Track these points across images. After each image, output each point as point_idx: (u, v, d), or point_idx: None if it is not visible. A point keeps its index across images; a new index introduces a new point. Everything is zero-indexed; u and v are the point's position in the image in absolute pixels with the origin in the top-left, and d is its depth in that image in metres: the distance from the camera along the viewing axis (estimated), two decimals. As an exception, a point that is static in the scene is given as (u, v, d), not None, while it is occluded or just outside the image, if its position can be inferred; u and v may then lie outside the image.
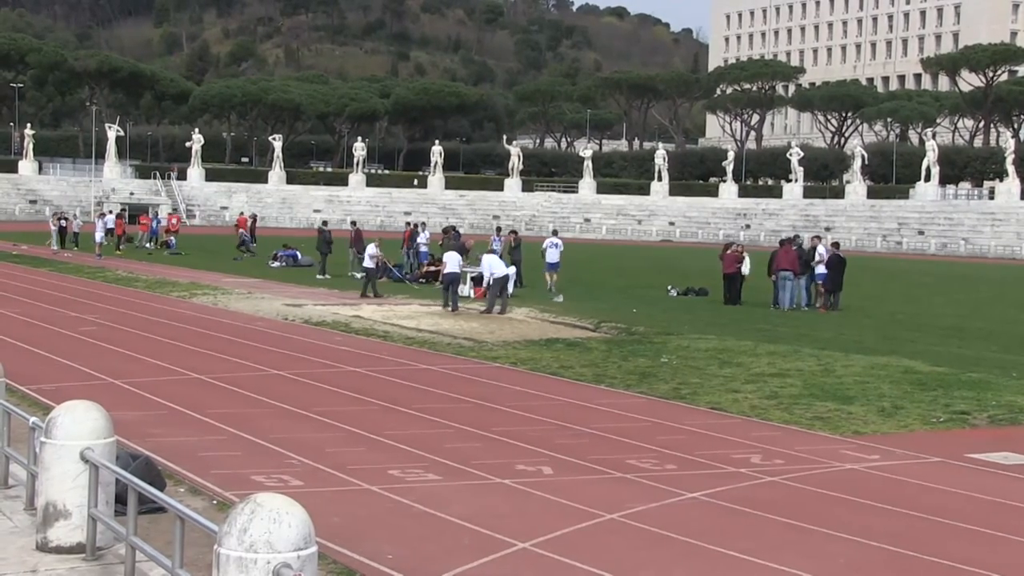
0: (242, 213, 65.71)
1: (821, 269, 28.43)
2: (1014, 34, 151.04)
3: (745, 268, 29.10)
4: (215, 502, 8.83)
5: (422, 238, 37.86)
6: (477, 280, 29.14)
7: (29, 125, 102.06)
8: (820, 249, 28.86)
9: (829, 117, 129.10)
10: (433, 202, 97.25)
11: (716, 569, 7.62)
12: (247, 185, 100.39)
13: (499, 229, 42.07)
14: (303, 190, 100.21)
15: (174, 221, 55.17)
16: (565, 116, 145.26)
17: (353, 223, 42.44)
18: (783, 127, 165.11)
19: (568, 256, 35.03)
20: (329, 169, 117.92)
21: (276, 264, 40.67)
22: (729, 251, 29.50)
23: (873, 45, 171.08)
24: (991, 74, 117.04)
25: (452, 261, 26.48)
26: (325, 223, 40.70)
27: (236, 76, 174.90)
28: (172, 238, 50.09)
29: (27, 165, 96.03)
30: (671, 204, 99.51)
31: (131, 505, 6.29)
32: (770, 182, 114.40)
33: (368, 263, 29.85)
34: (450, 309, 25.24)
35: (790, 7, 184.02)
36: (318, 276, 35.17)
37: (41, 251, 46.07)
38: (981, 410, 13.95)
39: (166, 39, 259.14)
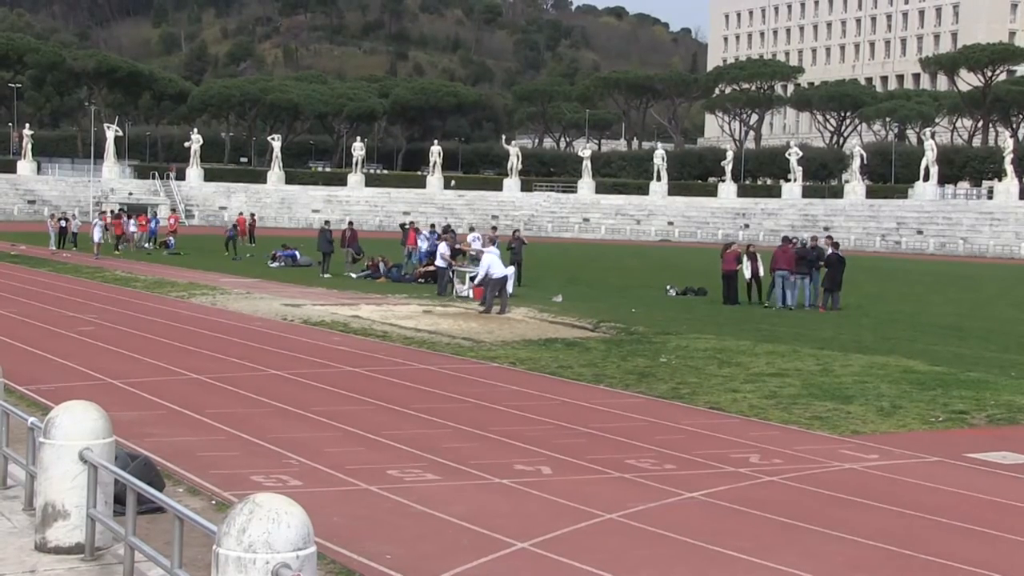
0: (241, 213, 65.71)
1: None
2: (1012, 34, 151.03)
3: (747, 270, 29.13)
4: (214, 502, 8.83)
5: (423, 234, 38.02)
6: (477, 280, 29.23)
7: (28, 125, 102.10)
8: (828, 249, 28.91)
9: (828, 117, 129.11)
10: (432, 202, 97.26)
11: (715, 568, 7.62)
12: (246, 185, 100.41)
13: (494, 228, 42.20)
14: (302, 190, 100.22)
15: (172, 221, 55.25)
16: (564, 116, 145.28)
17: (350, 223, 42.60)
18: (782, 127, 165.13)
19: (567, 256, 35.04)
20: (328, 169, 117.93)
21: (275, 264, 40.71)
22: (729, 250, 29.52)
23: (872, 45, 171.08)
24: (990, 74, 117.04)
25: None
26: (327, 223, 40.92)
27: (235, 76, 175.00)
28: (171, 238, 50.15)
29: (26, 165, 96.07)
30: (670, 204, 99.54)
31: (130, 505, 6.29)
32: (769, 182, 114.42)
33: (440, 263, 30.43)
34: (485, 310, 25.18)
35: (789, 7, 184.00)
36: (323, 275, 35.46)
37: (40, 251, 46.07)
38: (980, 410, 13.96)
39: (165, 39, 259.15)
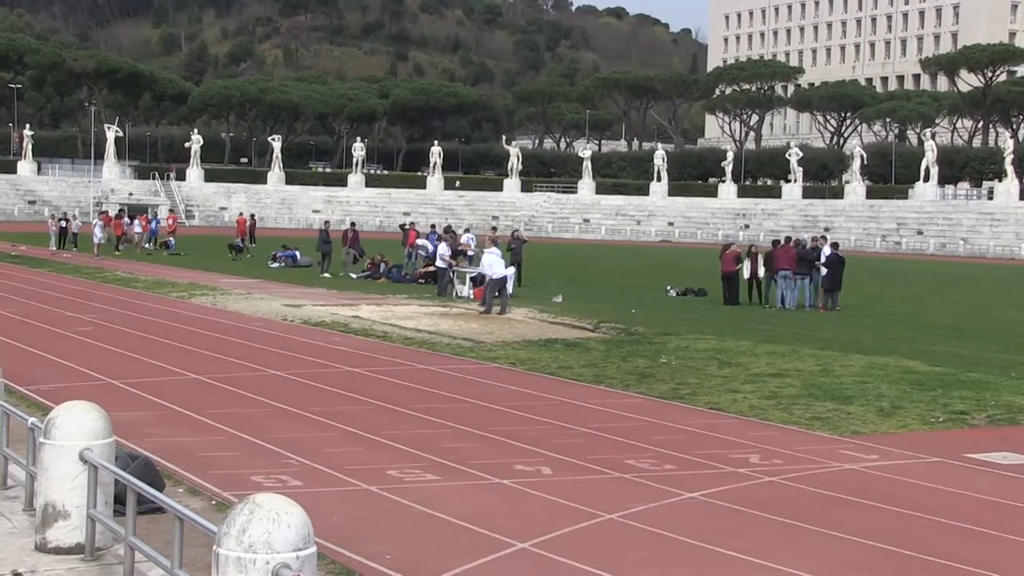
0: (241, 214, 65.66)
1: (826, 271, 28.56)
2: (1013, 34, 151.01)
3: (746, 271, 29.12)
4: (214, 502, 8.83)
5: (423, 240, 38.01)
6: (477, 281, 29.22)
7: (28, 126, 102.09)
8: (826, 250, 28.90)
9: (828, 117, 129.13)
10: (432, 202, 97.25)
11: (714, 569, 7.62)
12: (246, 186, 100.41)
13: (494, 229, 42.11)
14: (302, 190, 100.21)
15: (170, 221, 55.06)
16: (564, 116, 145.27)
17: (352, 224, 42.70)
18: (782, 127, 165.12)
19: (567, 256, 35.02)
20: (328, 169, 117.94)
21: (275, 264, 40.71)
22: (728, 251, 29.51)
23: (872, 45, 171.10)
24: (990, 74, 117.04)
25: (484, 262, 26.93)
26: (327, 223, 41.09)
27: (235, 76, 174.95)
28: (171, 238, 50.16)
29: (26, 166, 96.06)
30: (670, 204, 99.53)
31: (130, 506, 6.29)
32: (769, 182, 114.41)
33: (440, 264, 30.50)
34: (485, 310, 25.11)
35: (789, 7, 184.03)
36: (322, 275, 35.61)
37: (40, 251, 46.08)
38: (980, 410, 13.96)
39: (165, 39, 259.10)
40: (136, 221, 52.44)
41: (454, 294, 29.75)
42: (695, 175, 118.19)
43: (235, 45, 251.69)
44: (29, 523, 7.51)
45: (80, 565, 6.90)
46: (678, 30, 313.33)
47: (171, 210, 78.55)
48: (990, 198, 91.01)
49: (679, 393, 14.75)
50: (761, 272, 29.27)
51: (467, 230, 41.13)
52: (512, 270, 27.59)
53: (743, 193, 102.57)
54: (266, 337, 19.84)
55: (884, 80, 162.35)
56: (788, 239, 30.94)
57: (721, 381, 15.75)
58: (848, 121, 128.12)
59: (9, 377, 10.63)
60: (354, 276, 35.61)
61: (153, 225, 54.68)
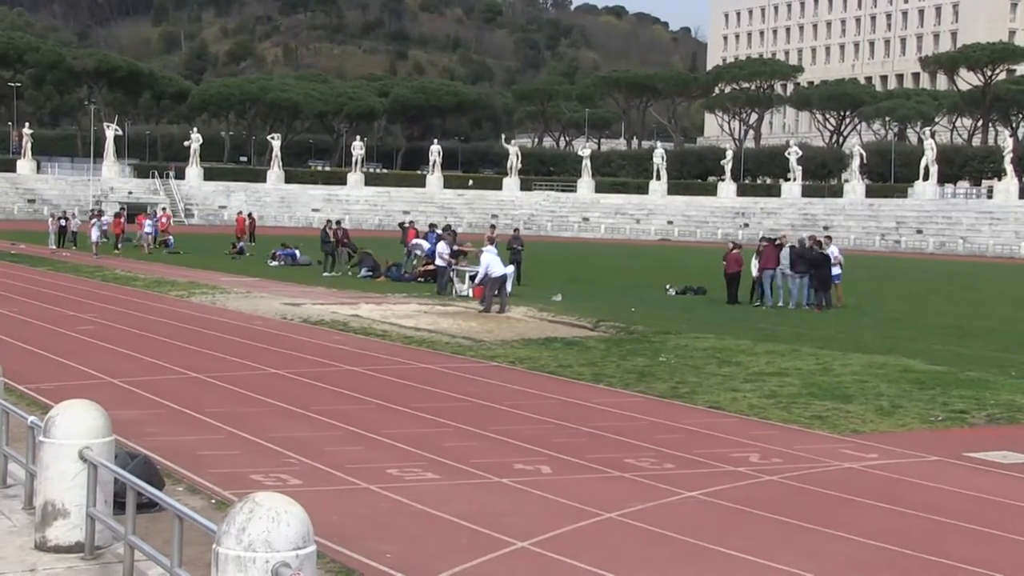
0: (240, 212, 65.55)
1: (837, 270, 28.62)
2: (1012, 33, 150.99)
3: (754, 270, 29.14)
4: (214, 501, 8.83)
5: (418, 240, 37.97)
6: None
7: (27, 124, 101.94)
8: (834, 250, 29.02)
9: (828, 116, 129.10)
10: (431, 201, 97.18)
11: (714, 568, 7.62)
12: (246, 184, 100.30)
13: (493, 228, 41.94)
14: (301, 189, 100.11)
15: (164, 220, 54.74)
16: (564, 115, 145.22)
17: (338, 222, 42.70)
18: (782, 126, 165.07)
19: (566, 255, 34.98)
20: (328, 168, 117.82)
21: (275, 263, 40.69)
22: (732, 253, 29.52)
23: (871, 44, 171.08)
24: (989, 73, 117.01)
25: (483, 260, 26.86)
26: (330, 222, 41.12)
27: (234, 75, 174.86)
28: (171, 237, 50.09)
29: (25, 164, 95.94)
30: (670, 203, 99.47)
31: (130, 504, 6.29)
32: (768, 181, 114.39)
33: (440, 262, 30.60)
34: (485, 309, 25.07)
35: (789, 6, 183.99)
36: (324, 274, 35.70)
37: (40, 250, 46.07)
38: (979, 409, 13.96)
39: (165, 38, 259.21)
40: (147, 221, 51.95)
41: (454, 292, 29.74)
42: (694, 174, 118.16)
43: (235, 44, 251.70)
44: (29, 522, 7.51)
45: (80, 564, 6.90)
46: (678, 28, 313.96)
47: (164, 208, 78.41)
48: (989, 197, 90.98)
49: (678, 392, 14.75)
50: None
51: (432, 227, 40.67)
52: (511, 268, 27.57)
53: (742, 192, 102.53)
54: (266, 336, 19.84)
55: (884, 79, 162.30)
56: (773, 238, 30.94)
57: (721, 380, 15.75)
58: (847, 120, 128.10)
59: (9, 376, 10.63)
60: (360, 275, 35.43)
61: (153, 223, 54.47)
